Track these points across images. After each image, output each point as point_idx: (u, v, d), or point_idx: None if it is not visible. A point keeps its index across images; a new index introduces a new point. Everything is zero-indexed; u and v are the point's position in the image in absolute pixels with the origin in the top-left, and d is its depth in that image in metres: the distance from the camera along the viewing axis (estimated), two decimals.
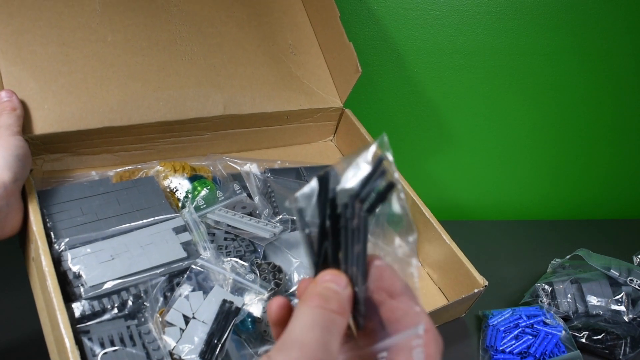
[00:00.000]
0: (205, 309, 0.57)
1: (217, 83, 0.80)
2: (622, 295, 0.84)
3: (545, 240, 1.12)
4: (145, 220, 0.64)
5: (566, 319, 0.83)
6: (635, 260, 0.95)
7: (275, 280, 0.63)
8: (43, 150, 0.69)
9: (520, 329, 0.79)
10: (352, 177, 0.36)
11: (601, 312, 0.83)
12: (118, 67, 0.73)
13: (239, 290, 0.60)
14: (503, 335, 0.79)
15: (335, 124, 0.95)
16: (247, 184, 0.76)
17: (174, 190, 0.72)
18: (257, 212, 0.72)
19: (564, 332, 0.78)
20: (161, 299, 0.57)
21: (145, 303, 0.56)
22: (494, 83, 1.10)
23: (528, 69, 1.10)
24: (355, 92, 0.89)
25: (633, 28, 1.08)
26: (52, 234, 0.59)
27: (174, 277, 0.60)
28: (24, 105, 0.66)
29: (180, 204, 0.71)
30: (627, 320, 0.82)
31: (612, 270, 0.87)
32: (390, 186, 0.34)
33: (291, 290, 0.65)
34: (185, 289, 0.58)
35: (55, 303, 0.52)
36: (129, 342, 0.53)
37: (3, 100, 0.64)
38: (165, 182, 0.72)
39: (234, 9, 0.86)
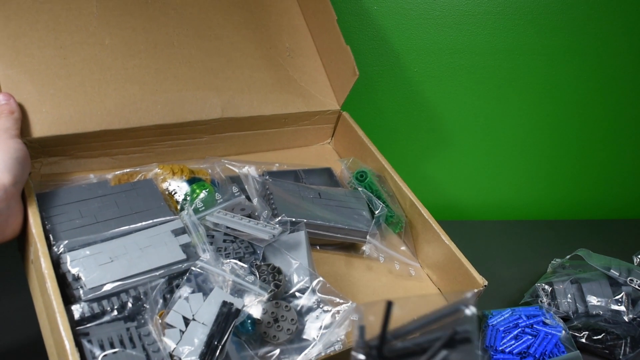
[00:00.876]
0: (205, 311, 0.57)
1: (214, 86, 0.80)
2: (622, 295, 0.84)
3: (545, 240, 1.12)
4: (143, 223, 0.64)
5: (566, 319, 0.83)
6: (635, 260, 0.95)
7: (274, 281, 0.63)
8: (41, 153, 0.69)
9: (519, 329, 0.79)
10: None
11: (601, 312, 0.83)
12: (116, 71, 0.73)
13: (238, 291, 0.60)
14: (503, 335, 0.79)
15: (332, 126, 0.95)
16: (246, 187, 0.76)
17: (173, 192, 0.72)
18: (256, 214, 0.72)
19: (563, 332, 0.79)
20: (161, 301, 0.57)
21: (144, 305, 0.56)
22: (493, 83, 1.11)
23: (527, 69, 1.10)
24: (353, 94, 0.89)
25: (632, 28, 1.09)
26: (51, 236, 0.59)
27: (174, 279, 0.60)
28: (21, 109, 0.66)
29: (178, 207, 0.70)
30: (627, 320, 0.83)
31: (612, 270, 0.87)
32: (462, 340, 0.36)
33: (291, 292, 0.64)
34: (184, 291, 0.58)
35: (55, 305, 0.52)
36: (129, 344, 0.53)
37: (1, 103, 0.64)
38: (164, 185, 0.72)
39: (232, 12, 0.86)
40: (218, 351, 0.54)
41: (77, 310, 0.53)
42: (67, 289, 0.56)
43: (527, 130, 1.19)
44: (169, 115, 0.75)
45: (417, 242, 0.85)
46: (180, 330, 0.55)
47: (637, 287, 0.85)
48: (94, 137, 0.71)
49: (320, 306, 0.63)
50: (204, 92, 0.79)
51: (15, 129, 0.63)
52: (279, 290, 0.62)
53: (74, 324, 0.53)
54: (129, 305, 0.55)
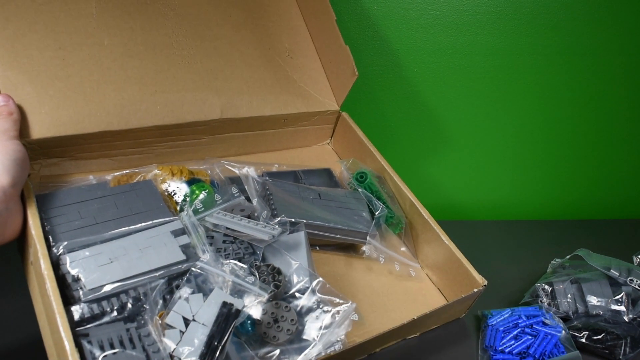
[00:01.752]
0: (205, 311, 0.57)
1: (214, 87, 0.80)
2: (622, 295, 0.84)
3: (545, 240, 1.12)
4: (143, 224, 0.64)
5: (566, 319, 0.83)
6: (635, 260, 0.95)
7: (274, 282, 0.62)
8: (40, 154, 0.69)
9: (519, 329, 0.79)
10: None
11: (601, 312, 0.83)
12: (115, 71, 0.73)
13: (238, 292, 0.60)
14: (502, 335, 0.78)
15: (332, 127, 0.96)
16: (246, 187, 0.76)
17: (172, 193, 0.72)
18: (256, 214, 0.72)
19: (563, 332, 0.78)
20: (160, 301, 0.57)
21: (144, 306, 0.56)
22: (493, 83, 1.11)
23: (527, 69, 1.10)
24: (352, 94, 0.89)
25: (631, 29, 1.09)
26: (50, 237, 0.59)
27: (173, 279, 0.60)
28: (21, 110, 0.66)
29: (178, 208, 0.70)
30: (627, 320, 0.82)
31: (612, 270, 0.87)
32: None
33: (291, 292, 0.64)
34: (184, 292, 0.58)
35: (55, 306, 0.51)
36: (129, 345, 0.53)
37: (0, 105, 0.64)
38: (163, 186, 0.72)
39: (231, 12, 0.86)
40: (218, 352, 0.54)
41: (76, 311, 0.53)
42: (67, 290, 0.56)
43: (527, 130, 1.19)
44: (168, 116, 0.75)
45: (417, 242, 0.85)
46: (180, 331, 0.55)
47: (637, 287, 0.84)
48: (93, 138, 0.71)
49: (320, 306, 0.63)
50: (203, 92, 0.79)
51: (14, 131, 0.63)
52: (278, 291, 0.62)
53: (73, 324, 0.52)
54: (129, 306, 0.55)
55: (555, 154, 1.24)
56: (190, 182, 0.73)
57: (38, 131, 0.67)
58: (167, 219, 0.65)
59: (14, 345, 0.67)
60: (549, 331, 0.78)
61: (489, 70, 1.09)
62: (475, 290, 0.75)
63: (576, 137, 1.22)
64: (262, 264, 0.65)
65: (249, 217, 0.70)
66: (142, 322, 0.55)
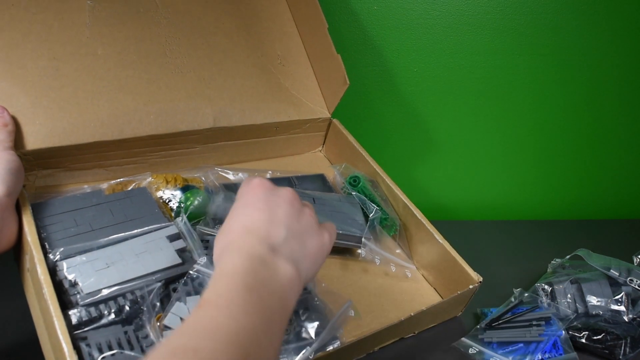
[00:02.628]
0: None
1: (207, 95, 0.81)
2: (622, 295, 0.84)
3: (545, 240, 1.12)
4: (139, 230, 0.64)
5: (566, 319, 0.83)
6: (635, 260, 0.95)
7: None
8: (35, 165, 0.69)
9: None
10: None
11: (601, 312, 0.83)
12: (108, 81, 0.74)
13: None
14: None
15: (324, 134, 0.96)
16: None
17: (167, 201, 0.72)
18: None
19: (563, 332, 0.79)
20: (158, 304, 0.57)
21: (142, 308, 0.56)
22: (492, 83, 1.11)
23: (528, 69, 1.11)
24: (343, 98, 0.90)
25: (633, 28, 1.10)
26: (46, 244, 0.59)
27: (170, 283, 0.60)
28: (15, 121, 0.66)
29: (173, 214, 0.71)
30: (627, 320, 0.82)
31: (612, 270, 0.87)
32: None
33: None
34: (182, 294, 0.58)
35: (52, 310, 0.52)
36: (127, 347, 0.53)
37: None
38: (158, 194, 0.73)
39: (223, 20, 0.87)
40: None
41: (74, 314, 0.53)
42: (64, 296, 0.56)
43: (527, 130, 1.19)
44: (161, 125, 0.76)
45: (412, 243, 0.86)
46: None
47: (637, 287, 0.85)
48: (88, 148, 0.71)
49: (316, 302, 0.63)
50: (196, 101, 0.79)
51: (8, 142, 0.64)
52: None
53: (71, 328, 0.53)
54: (126, 308, 0.55)
55: (555, 154, 1.24)
56: (184, 189, 0.73)
57: (33, 142, 0.67)
58: (163, 224, 0.66)
59: (13, 348, 0.67)
60: (549, 331, 0.78)
61: (487, 71, 1.10)
62: (470, 287, 0.75)
63: (576, 136, 1.22)
64: None
65: None
66: (140, 324, 0.56)
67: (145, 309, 0.56)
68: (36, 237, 0.58)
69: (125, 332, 0.54)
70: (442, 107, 1.13)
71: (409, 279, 0.82)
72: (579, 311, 0.85)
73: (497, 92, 1.13)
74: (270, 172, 0.86)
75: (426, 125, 1.15)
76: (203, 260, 0.62)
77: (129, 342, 0.53)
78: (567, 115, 1.19)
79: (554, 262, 0.97)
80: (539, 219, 1.23)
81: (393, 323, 0.68)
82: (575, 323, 0.82)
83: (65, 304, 0.56)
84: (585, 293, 0.86)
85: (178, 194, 0.73)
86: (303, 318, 0.62)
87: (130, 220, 0.65)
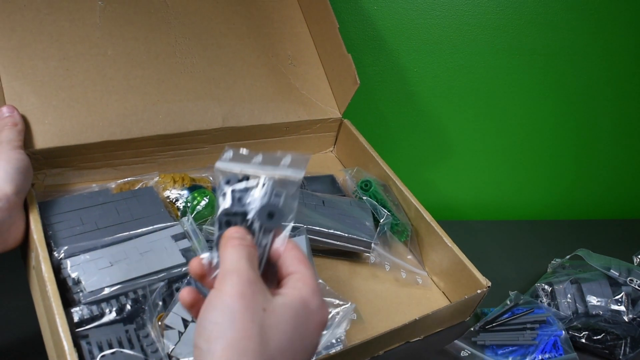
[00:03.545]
0: None
1: (216, 95, 0.81)
2: (622, 295, 0.84)
3: (545, 240, 1.11)
4: (144, 229, 0.64)
5: (566, 319, 0.83)
6: (635, 260, 0.95)
7: None
8: (44, 165, 0.70)
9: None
10: None
11: (601, 312, 0.83)
12: (118, 81, 0.74)
13: None
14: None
15: (334, 135, 0.96)
16: None
17: (174, 200, 0.72)
18: None
19: (563, 332, 0.78)
20: (160, 303, 0.57)
21: (143, 307, 0.56)
22: (493, 83, 1.11)
23: (528, 69, 1.10)
24: (353, 99, 0.89)
25: (633, 28, 1.09)
26: (52, 242, 0.60)
27: (173, 282, 0.60)
28: (25, 120, 0.67)
29: (180, 214, 0.71)
30: (627, 320, 0.82)
31: (612, 270, 0.87)
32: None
33: None
34: None
35: (55, 308, 0.52)
36: (127, 345, 0.53)
37: (4, 115, 0.65)
38: (165, 193, 0.73)
39: (234, 21, 0.87)
40: None
41: (76, 312, 0.54)
42: (68, 294, 0.56)
43: (527, 130, 1.19)
44: (170, 125, 0.76)
45: (424, 249, 0.84)
46: (179, 332, 0.55)
47: (637, 287, 0.85)
48: (97, 148, 0.72)
49: None
50: (205, 101, 0.80)
51: (18, 141, 0.64)
52: None
53: (73, 326, 0.53)
54: (128, 307, 0.56)
55: (556, 154, 1.23)
56: (191, 189, 0.73)
57: (42, 141, 0.68)
58: (168, 224, 0.66)
59: (17, 345, 0.68)
60: (549, 331, 0.77)
61: (489, 70, 1.09)
62: (478, 291, 0.74)
63: (576, 137, 1.22)
64: None
65: None
66: (141, 323, 0.56)
67: (147, 308, 0.56)
68: (42, 235, 0.58)
69: (127, 331, 0.54)
70: (445, 107, 1.13)
71: (419, 285, 0.81)
72: (579, 311, 0.85)
73: (498, 93, 1.13)
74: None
75: (428, 125, 1.15)
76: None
77: (129, 341, 0.53)
78: (568, 115, 1.19)
79: (554, 262, 0.97)
80: (539, 219, 1.22)
81: (397, 327, 0.67)
82: (575, 323, 0.82)
83: (69, 301, 0.56)
84: (585, 293, 0.86)
85: (185, 193, 0.73)
86: None
87: (136, 219, 0.66)
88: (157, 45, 0.79)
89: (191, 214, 0.70)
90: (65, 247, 0.59)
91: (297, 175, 0.45)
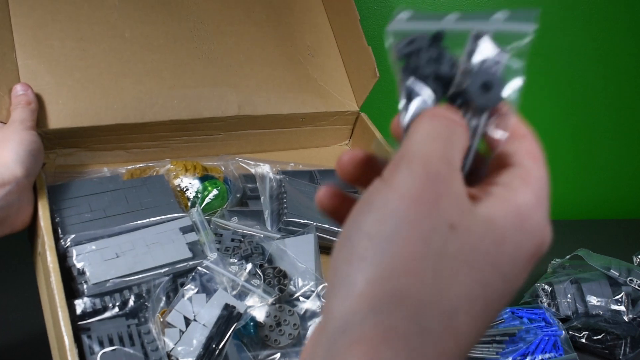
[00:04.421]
0: (207, 312, 0.57)
1: (232, 83, 0.79)
2: (622, 295, 0.84)
3: None
4: (152, 219, 0.64)
5: (566, 319, 0.83)
6: (635, 260, 0.96)
7: (279, 286, 0.62)
8: (57, 144, 0.69)
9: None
10: None
11: (601, 312, 0.83)
12: (134, 64, 0.73)
13: (242, 294, 0.60)
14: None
15: (351, 128, 0.94)
16: (258, 185, 0.76)
17: (185, 189, 0.72)
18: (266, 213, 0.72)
19: (563, 333, 0.77)
20: (163, 299, 0.57)
21: (146, 303, 0.56)
22: None
23: (528, 69, 1.08)
24: (371, 93, 0.88)
25: (633, 28, 1.08)
26: (59, 229, 0.60)
27: (179, 277, 0.60)
28: (39, 99, 0.66)
29: (189, 204, 0.70)
30: (627, 320, 0.82)
31: (612, 270, 0.87)
32: None
33: (296, 295, 0.64)
34: (189, 290, 0.58)
35: (57, 300, 0.52)
36: (128, 342, 0.53)
37: (18, 93, 0.65)
38: (176, 181, 0.72)
39: (254, 8, 0.85)
40: (216, 354, 0.53)
41: (79, 305, 0.54)
42: (72, 283, 0.56)
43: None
44: (185, 110, 0.75)
45: None
46: (180, 330, 0.55)
47: (637, 287, 0.85)
48: (110, 130, 0.71)
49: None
50: (221, 88, 0.78)
51: (31, 121, 0.64)
52: (283, 295, 0.62)
53: (75, 318, 0.53)
54: (131, 302, 0.55)
55: (556, 154, 1.23)
56: (203, 179, 0.73)
57: (55, 121, 0.67)
58: (177, 215, 0.65)
59: (20, 337, 0.68)
60: (549, 332, 0.77)
61: None
62: None
63: (576, 136, 1.21)
64: (268, 265, 0.65)
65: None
66: (143, 319, 0.56)
67: (149, 304, 0.56)
68: (49, 222, 0.58)
69: (128, 327, 0.54)
70: None
71: None
72: (579, 311, 0.85)
73: None
74: (292, 164, 0.85)
75: None
76: (214, 256, 0.62)
77: (130, 337, 0.53)
78: (568, 115, 1.18)
79: (554, 262, 0.97)
80: None
81: None
82: (575, 323, 0.83)
83: (72, 290, 0.56)
84: (585, 293, 0.86)
85: (196, 183, 0.72)
86: (309, 323, 0.61)
87: (145, 208, 0.65)
88: (175, 30, 0.77)
89: (200, 205, 0.69)
90: (72, 235, 0.58)
91: (526, 28, 0.31)
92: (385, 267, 0.24)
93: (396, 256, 0.24)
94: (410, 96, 0.29)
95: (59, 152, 0.71)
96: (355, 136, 0.95)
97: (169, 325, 0.55)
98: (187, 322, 0.56)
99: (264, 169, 0.80)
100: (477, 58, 0.29)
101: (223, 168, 0.78)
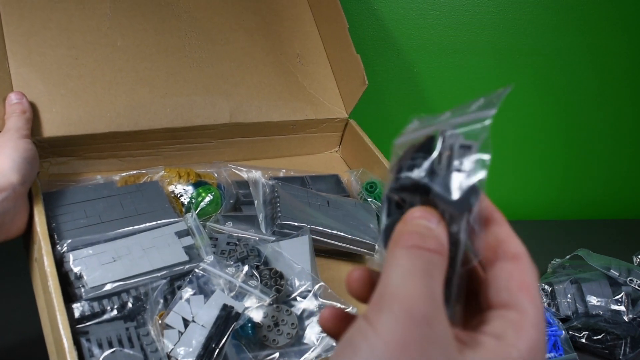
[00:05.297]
0: (205, 313, 0.57)
1: (224, 91, 0.80)
2: (622, 295, 0.85)
3: (545, 240, 1.12)
4: (148, 224, 0.64)
5: (566, 319, 0.83)
6: (635, 260, 0.96)
7: (276, 286, 0.62)
8: (50, 153, 0.70)
9: None
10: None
11: (601, 312, 0.84)
12: (126, 72, 0.74)
13: (240, 295, 0.60)
14: None
15: (340, 134, 0.95)
16: (251, 190, 0.76)
17: (179, 195, 0.72)
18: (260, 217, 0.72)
19: (563, 332, 0.78)
20: (161, 301, 0.57)
21: (145, 305, 0.56)
22: (494, 83, 1.11)
23: (528, 69, 1.11)
24: (360, 100, 0.89)
25: (632, 28, 1.10)
26: (55, 235, 0.60)
27: (176, 280, 0.60)
28: (32, 108, 0.66)
29: (184, 209, 0.71)
30: (627, 320, 0.83)
31: (612, 270, 0.87)
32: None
33: (292, 296, 0.64)
34: (186, 292, 0.58)
35: (56, 304, 0.52)
36: (127, 344, 0.53)
37: (13, 102, 0.65)
38: (170, 188, 0.73)
39: (244, 17, 0.86)
40: (215, 354, 0.53)
41: (77, 308, 0.54)
42: (70, 288, 0.56)
43: (527, 131, 1.19)
44: (177, 118, 0.76)
45: None
46: (179, 332, 0.55)
47: (637, 287, 0.85)
48: (103, 138, 0.72)
49: (321, 310, 0.63)
50: (213, 96, 0.79)
51: (26, 129, 0.64)
52: (280, 295, 0.62)
53: (74, 322, 0.53)
54: (129, 305, 0.55)
55: (556, 154, 1.24)
56: (196, 185, 0.73)
57: (49, 130, 0.68)
58: (172, 220, 0.66)
59: (17, 342, 0.68)
60: (549, 332, 0.77)
61: (491, 70, 1.09)
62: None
63: (577, 136, 1.23)
64: (264, 267, 0.65)
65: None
66: (142, 321, 0.56)
67: (148, 306, 0.56)
68: (45, 227, 0.58)
69: (127, 329, 0.54)
70: (450, 107, 1.13)
71: None
72: (579, 311, 0.85)
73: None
74: (284, 170, 0.86)
75: None
76: (210, 258, 0.62)
77: (129, 339, 0.53)
78: (568, 116, 1.19)
79: (554, 262, 0.98)
80: (539, 219, 1.22)
81: None
82: (575, 323, 0.83)
83: (70, 295, 0.56)
84: (585, 293, 0.86)
85: (190, 189, 0.73)
86: (306, 323, 0.62)
87: (140, 214, 0.65)
88: (167, 38, 0.78)
89: (195, 211, 0.69)
90: (69, 241, 0.58)
91: (485, 114, 0.31)
92: None
93: None
94: (389, 209, 0.30)
95: (53, 161, 0.71)
96: (344, 143, 0.96)
97: (168, 326, 0.55)
98: (186, 323, 0.56)
99: (256, 175, 0.81)
100: (444, 159, 0.29)
101: (216, 175, 0.78)
